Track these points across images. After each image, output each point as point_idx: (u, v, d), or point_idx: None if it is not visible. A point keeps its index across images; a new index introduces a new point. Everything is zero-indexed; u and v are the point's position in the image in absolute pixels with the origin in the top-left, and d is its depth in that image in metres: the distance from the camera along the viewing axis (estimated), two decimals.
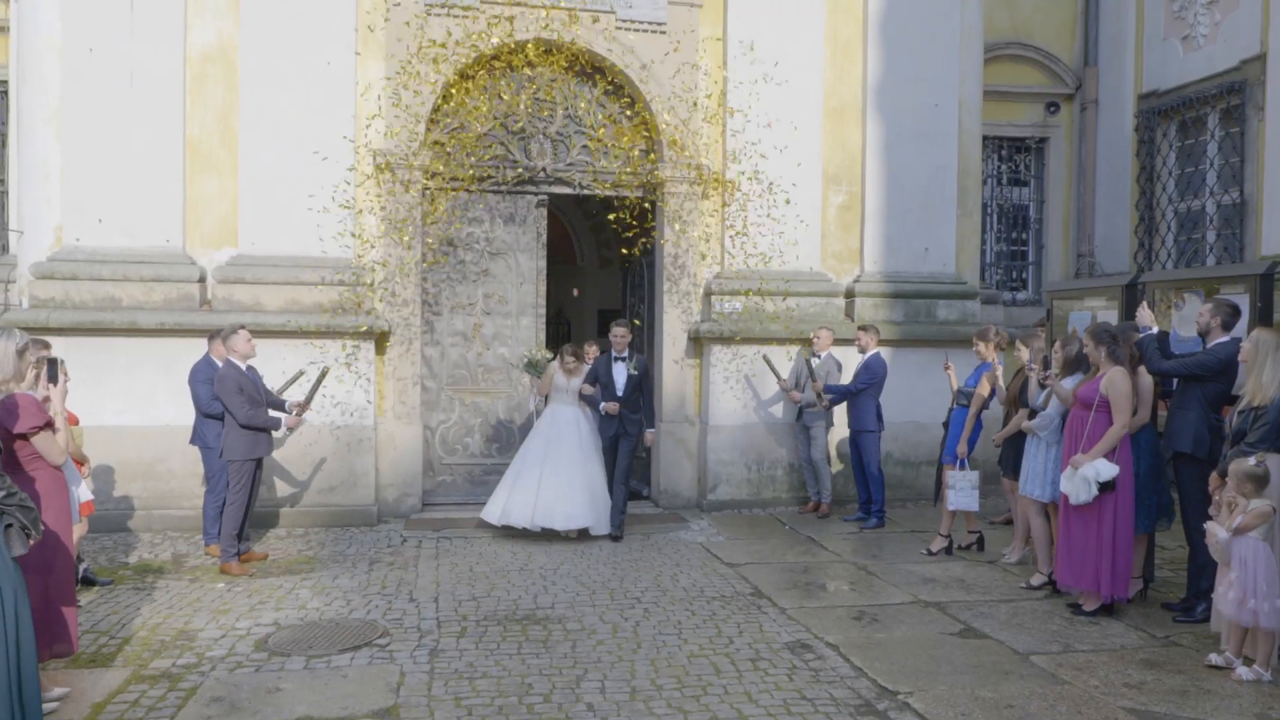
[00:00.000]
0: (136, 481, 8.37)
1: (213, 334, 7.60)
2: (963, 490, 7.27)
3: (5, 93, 9.91)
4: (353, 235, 8.82)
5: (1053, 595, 6.35)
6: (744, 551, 7.65)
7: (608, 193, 9.71)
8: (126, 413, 8.29)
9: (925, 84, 9.86)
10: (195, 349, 7.90)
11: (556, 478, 7.85)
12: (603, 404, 7.99)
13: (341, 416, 8.65)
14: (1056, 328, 7.91)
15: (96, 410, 8.05)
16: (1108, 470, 5.45)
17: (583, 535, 7.93)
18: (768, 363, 9.11)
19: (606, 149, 9.69)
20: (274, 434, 7.25)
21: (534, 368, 8.58)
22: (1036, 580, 6.52)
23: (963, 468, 7.34)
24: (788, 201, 9.54)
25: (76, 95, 8.31)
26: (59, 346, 8.16)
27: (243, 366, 7.05)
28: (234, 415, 6.85)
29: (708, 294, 9.55)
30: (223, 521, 6.96)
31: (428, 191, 9.33)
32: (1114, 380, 5.57)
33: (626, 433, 8.07)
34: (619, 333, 8.10)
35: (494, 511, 8.01)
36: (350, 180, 8.81)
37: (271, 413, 7.14)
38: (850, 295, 9.80)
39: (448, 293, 9.45)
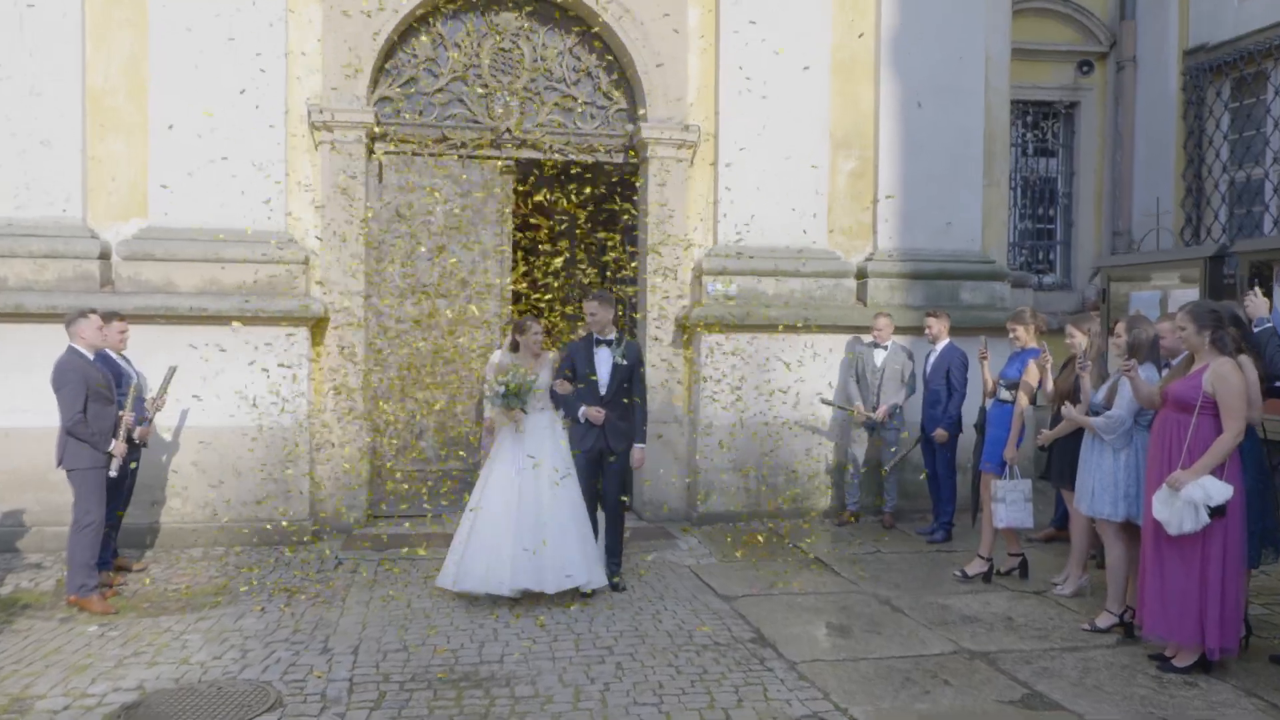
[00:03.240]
0: (27, 492, 7.10)
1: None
2: (1014, 504, 6.04)
3: None
4: (281, 204, 7.53)
5: (1125, 641, 5.12)
6: (742, 578, 6.41)
7: (582, 157, 8.43)
8: (15, 412, 7.01)
9: (947, 35, 8.59)
10: None
11: (538, 518, 5.73)
12: (583, 410, 5.99)
13: (269, 417, 7.38)
14: (1114, 310, 6.67)
15: None
16: (1220, 492, 4.22)
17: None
18: (832, 405, 8.02)
19: (581, 108, 8.42)
20: (109, 450, 5.72)
21: (516, 398, 5.82)
22: (1104, 621, 5.28)
23: (1011, 476, 6.12)
24: (789, 169, 8.28)
25: None
26: None
27: (89, 355, 5.77)
28: (60, 415, 5.58)
29: (698, 275, 8.30)
30: (72, 546, 5.66)
31: (374, 155, 8.05)
32: (1223, 376, 4.33)
33: (612, 447, 6.07)
34: (594, 308, 6.06)
35: (449, 574, 5.82)
36: (281, 140, 7.52)
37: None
38: (862, 276, 8.55)
39: (397, 272, 8.17)
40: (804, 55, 8.33)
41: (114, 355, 6.33)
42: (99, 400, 5.67)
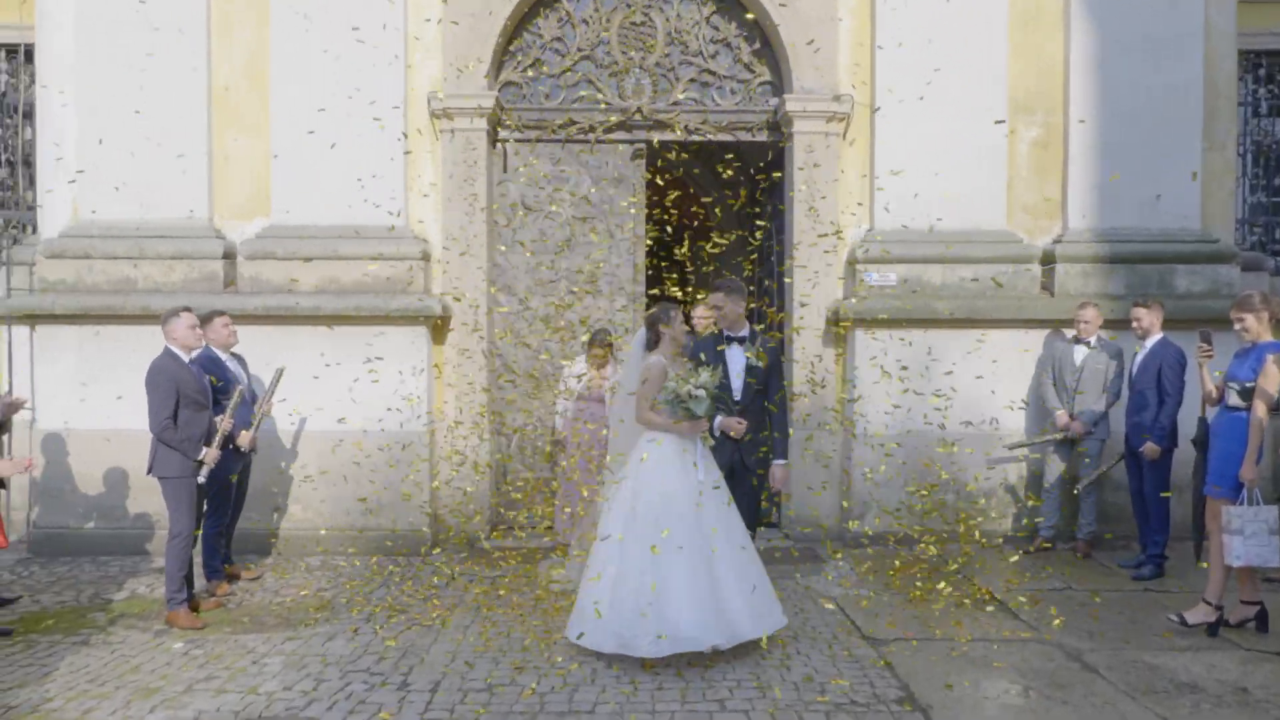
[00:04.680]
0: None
1: (205, 317, 6.10)
2: (1254, 536, 4.77)
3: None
4: (401, 198, 7.17)
5: None
6: (896, 617, 5.42)
7: (722, 137, 7.63)
8: (142, 414, 6.97)
9: None
10: None
11: (721, 552, 4.62)
12: (719, 419, 5.05)
13: (388, 422, 7.02)
14: None
15: (107, 411, 6.84)
16: None
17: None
18: (1022, 446, 7.00)
19: (720, 82, 7.63)
20: (199, 457, 5.41)
21: (695, 403, 4.70)
22: None
23: (1251, 501, 4.84)
24: (959, 139, 7.17)
25: (91, 43, 7.07)
26: (67, 336, 7.03)
27: (184, 357, 5.48)
28: (149, 420, 5.30)
29: (852, 263, 7.32)
30: (167, 557, 5.40)
31: (497, 144, 7.58)
32: None
33: (747, 464, 5.17)
34: (720, 300, 5.13)
35: (585, 627, 4.66)
36: (400, 131, 7.17)
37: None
38: (1049, 261, 7.30)
39: (524, 268, 7.67)
40: (977, 5, 7.19)
41: (223, 356, 6.12)
42: (191, 405, 5.40)
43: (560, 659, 4.71)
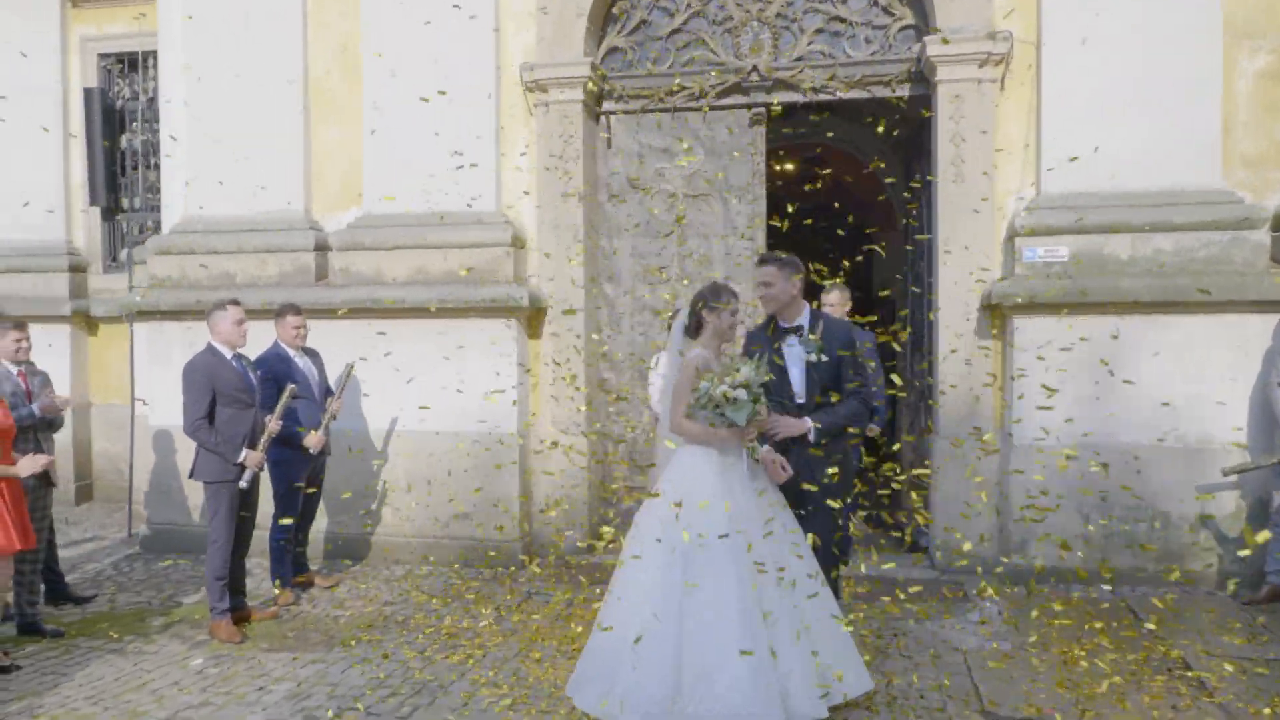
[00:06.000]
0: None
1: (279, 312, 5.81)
2: None
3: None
4: (494, 180, 6.61)
5: None
6: (1036, 682, 4.18)
7: (854, 94, 6.52)
8: None
9: None
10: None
11: (733, 613, 3.63)
12: (774, 421, 3.98)
13: (478, 424, 6.47)
14: None
15: None
16: None
17: None
18: (1240, 470, 5.44)
19: (853, 30, 6.53)
20: (239, 460, 5.03)
21: (755, 409, 3.83)
22: None
23: None
24: (1154, 75, 5.70)
25: (197, 41, 7.02)
26: (173, 332, 6.99)
27: (227, 354, 5.10)
28: (183, 419, 4.93)
29: (1011, 236, 6.01)
30: (206, 566, 5.05)
31: (600, 117, 6.88)
32: None
33: (824, 487, 4.02)
34: (768, 276, 4.11)
35: (590, 685, 3.86)
36: (492, 108, 6.62)
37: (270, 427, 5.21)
38: (1279, 226, 5.66)
39: (629, 253, 6.91)
40: None
41: (291, 353, 5.78)
42: (233, 404, 5.04)
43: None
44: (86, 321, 8.71)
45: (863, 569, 5.89)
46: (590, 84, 6.61)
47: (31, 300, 8.52)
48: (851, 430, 4.11)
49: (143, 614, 5.48)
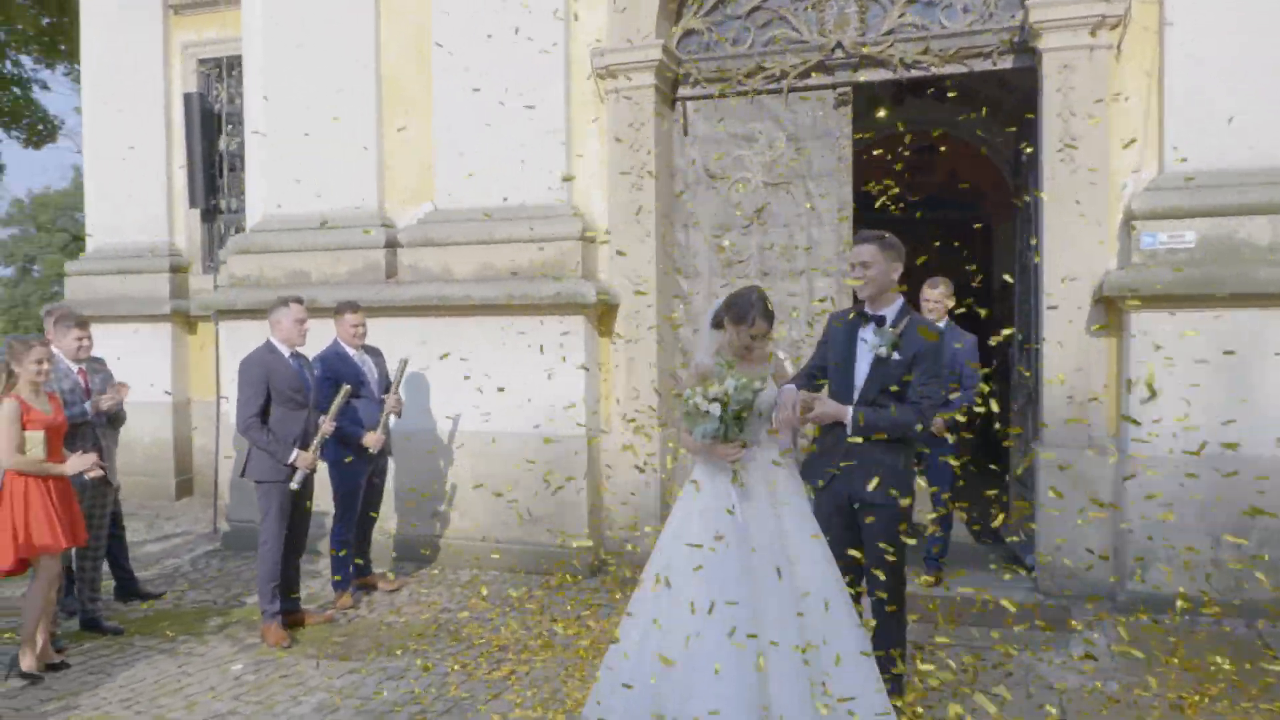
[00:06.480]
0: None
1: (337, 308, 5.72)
2: None
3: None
4: (563, 172, 6.36)
5: None
6: None
7: (950, 68, 5.96)
8: None
9: None
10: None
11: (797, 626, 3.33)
12: (814, 397, 3.56)
13: (547, 425, 6.22)
14: None
15: None
16: None
17: None
18: None
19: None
20: (289, 460, 4.93)
21: (737, 425, 3.46)
22: None
23: None
24: None
25: (275, 41, 7.04)
26: (249, 331, 7.01)
27: (285, 352, 4.98)
28: (235, 416, 4.83)
29: (1128, 220, 5.33)
30: (258, 567, 4.95)
31: (675, 103, 6.53)
32: None
33: (858, 493, 3.59)
34: (868, 255, 3.61)
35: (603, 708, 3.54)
36: (562, 97, 6.37)
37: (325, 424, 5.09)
38: None
39: (706, 246, 6.53)
40: None
41: (350, 352, 5.67)
42: (286, 403, 4.94)
43: None
44: (186, 320, 8.94)
45: (948, 588, 5.34)
46: (664, 68, 6.27)
47: (138, 300, 8.82)
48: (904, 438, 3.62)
49: (205, 613, 5.46)
